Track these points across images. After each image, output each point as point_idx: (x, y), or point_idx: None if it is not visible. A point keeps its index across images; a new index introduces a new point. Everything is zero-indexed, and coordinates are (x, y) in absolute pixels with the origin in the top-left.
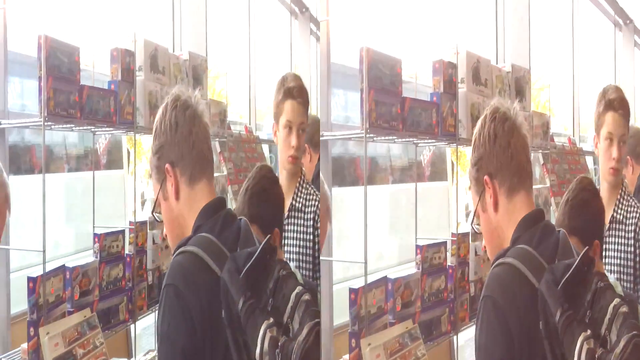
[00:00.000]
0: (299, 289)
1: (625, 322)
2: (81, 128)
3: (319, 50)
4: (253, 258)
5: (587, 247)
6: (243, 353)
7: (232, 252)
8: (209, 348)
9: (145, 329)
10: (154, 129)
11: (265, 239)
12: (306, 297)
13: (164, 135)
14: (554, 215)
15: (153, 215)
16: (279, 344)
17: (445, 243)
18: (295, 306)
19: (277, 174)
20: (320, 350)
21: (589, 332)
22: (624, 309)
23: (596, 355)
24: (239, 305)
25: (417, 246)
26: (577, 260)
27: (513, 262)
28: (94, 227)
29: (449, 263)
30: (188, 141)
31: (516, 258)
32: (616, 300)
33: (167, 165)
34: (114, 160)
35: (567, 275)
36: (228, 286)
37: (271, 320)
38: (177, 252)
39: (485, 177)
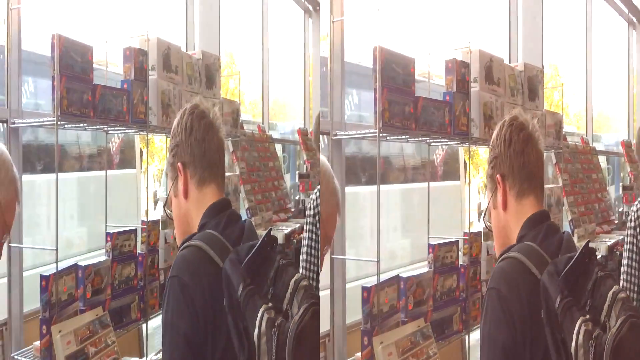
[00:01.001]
0: (298, 275)
1: (624, 305)
2: (94, 127)
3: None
4: (254, 249)
5: (588, 240)
6: (243, 338)
7: (236, 247)
8: (211, 336)
9: (156, 328)
10: (172, 129)
11: (267, 231)
12: (304, 282)
13: (179, 135)
14: (566, 215)
15: (165, 210)
16: (276, 323)
17: (457, 242)
18: (294, 292)
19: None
20: (319, 330)
21: (587, 316)
22: (622, 295)
23: (593, 336)
24: (238, 291)
25: (429, 245)
26: (579, 252)
27: (517, 256)
28: (106, 226)
29: (460, 262)
30: (201, 147)
31: (521, 252)
32: (615, 287)
33: (179, 165)
34: (126, 159)
35: (568, 266)
36: (229, 274)
37: (270, 304)
38: (183, 246)
39: (498, 176)
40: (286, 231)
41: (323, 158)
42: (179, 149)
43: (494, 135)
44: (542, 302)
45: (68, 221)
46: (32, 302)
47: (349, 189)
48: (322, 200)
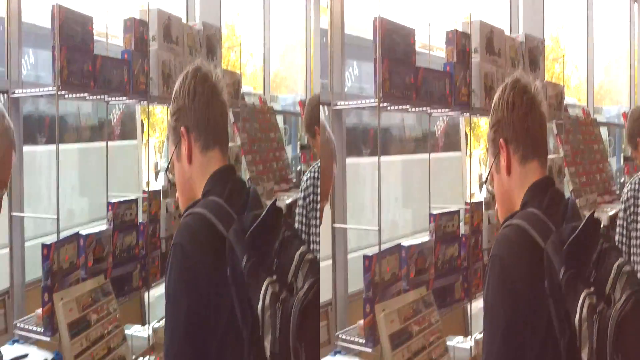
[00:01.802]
0: (303, 248)
1: (629, 280)
2: (94, 97)
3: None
4: (259, 219)
5: (593, 211)
6: (247, 311)
7: (240, 216)
8: (214, 306)
9: (159, 298)
10: (173, 93)
11: (272, 201)
12: (310, 256)
13: (182, 99)
14: (567, 186)
15: (167, 175)
16: (280, 298)
17: (458, 212)
18: (299, 265)
19: None
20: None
21: (592, 289)
22: (627, 267)
23: (597, 310)
24: (242, 263)
25: (430, 215)
26: (583, 222)
27: (521, 224)
28: (107, 196)
29: (462, 232)
30: (204, 111)
31: (524, 220)
32: (620, 260)
33: (182, 129)
34: (127, 131)
35: (572, 236)
36: (233, 245)
37: (274, 277)
38: (186, 213)
39: (501, 140)
40: (287, 201)
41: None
42: (182, 113)
43: (495, 98)
44: (546, 273)
45: (69, 192)
46: (34, 272)
47: (349, 160)
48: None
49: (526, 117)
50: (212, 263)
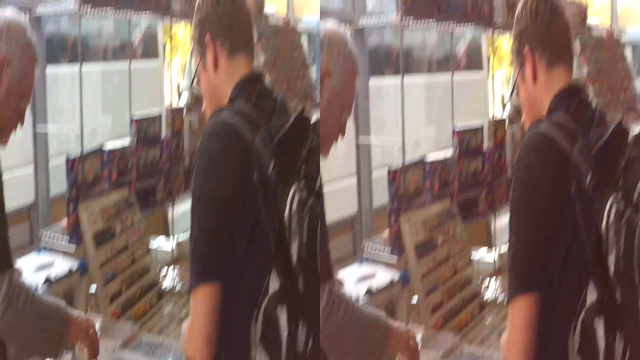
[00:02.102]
0: None
1: None
2: (117, 12)
3: None
4: (287, 126)
5: (620, 117)
6: (273, 218)
7: (267, 123)
8: (240, 211)
9: (183, 213)
10: (196, 3)
11: (299, 109)
12: None
13: (206, 8)
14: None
15: (191, 90)
16: (307, 204)
17: (482, 128)
18: None
19: None
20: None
21: (619, 195)
22: None
23: (624, 216)
24: (269, 169)
25: (454, 131)
26: (611, 128)
27: (547, 129)
28: (130, 114)
29: (485, 147)
30: (229, 16)
31: (551, 125)
32: None
33: (207, 36)
34: (150, 50)
35: (600, 142)
36: (261, 151)
37: (302, 182)
38: (211, 120)
39: (526, 48)
40: (312, 121)
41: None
42: (206, 21)
43: (518, 9)
44: (572, 178)
45: (92, 111)
46: (58, 188)
47: (372, 81)
48: (336, 65)
49: (550, 23)
50: (239, 168)
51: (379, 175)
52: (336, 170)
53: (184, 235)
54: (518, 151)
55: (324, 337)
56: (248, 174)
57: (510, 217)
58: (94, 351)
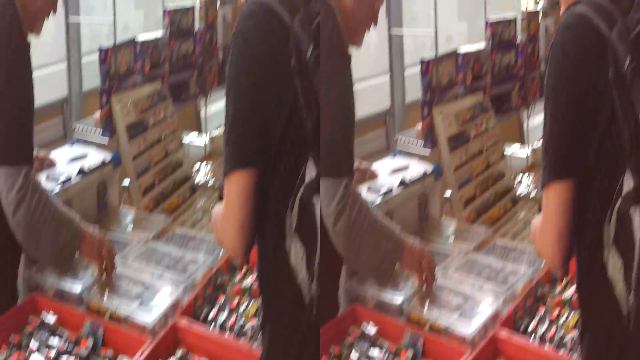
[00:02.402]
0: None
1: None
2: None
3: None
4: None
5: None
6: (313, 102)
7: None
8: (276, 95)
9: (216, 112)
10: None
11: None
12: None
13: None
14: None
15: None
16: None
17: (515, 20)
18: None
19: None
20: None
21: None
22: None
23: None
24: (307, 53)
25: (486, 23)
26: None
27: (584, 11)
28: (163, 6)
29: (519, 40)
30: None
31: (588, 7)
32: None
33: None
34: None
35: None
36: (299, 35)
37: None
38: (250, 2)
39: None
40: None
41: None
42: None
43: None
44: (610, 62)
45: (124, 6)
46: (90, 83)
47: None
48: None
49: None
50: (277, 51)
51: (412, 72)
52: (369, 67)
53: (217, 132)
54: (553, 36)
55: (336, 233)
56: (285, 60)
57: (545, 101)
58: (109, 269)
